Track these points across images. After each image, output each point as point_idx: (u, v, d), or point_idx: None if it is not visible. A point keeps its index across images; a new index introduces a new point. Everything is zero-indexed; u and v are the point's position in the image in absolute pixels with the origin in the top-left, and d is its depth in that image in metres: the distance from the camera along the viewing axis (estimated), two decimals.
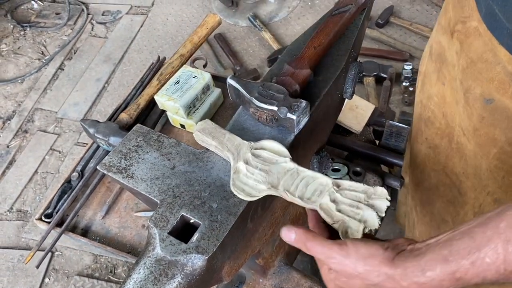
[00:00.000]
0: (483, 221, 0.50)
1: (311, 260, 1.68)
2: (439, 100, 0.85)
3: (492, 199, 0.77)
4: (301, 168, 0.76)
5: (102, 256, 2.04)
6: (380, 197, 0.68)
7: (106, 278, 1.99)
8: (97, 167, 0.87)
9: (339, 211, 0.69)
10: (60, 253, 2.08)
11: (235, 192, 0.76)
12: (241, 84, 0.87)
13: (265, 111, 0.84)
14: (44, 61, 2.90)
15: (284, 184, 0.75)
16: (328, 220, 0.69)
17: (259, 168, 0.77)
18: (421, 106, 0.93)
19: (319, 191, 0.72)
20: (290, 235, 0.65)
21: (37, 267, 1.11)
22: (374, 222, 0.67)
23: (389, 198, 0.68)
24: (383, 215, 0.68)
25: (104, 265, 2.03)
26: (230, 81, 0.88)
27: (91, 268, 2.02)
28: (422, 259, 0.52)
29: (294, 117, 0.81)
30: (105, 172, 0.86)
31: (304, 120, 0.85)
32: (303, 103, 0.82)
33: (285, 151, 0.79)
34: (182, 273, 0.72)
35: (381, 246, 0.57)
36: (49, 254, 2.05)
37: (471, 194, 0.81)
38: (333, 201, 0.70)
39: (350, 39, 0.99)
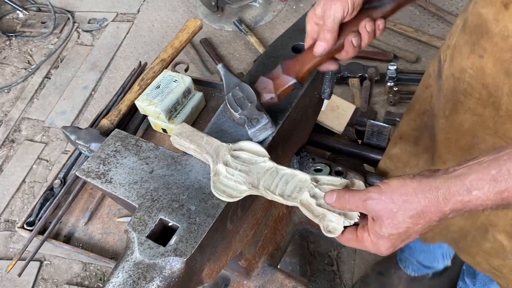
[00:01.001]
0: None
1: (300, 261, 1.68)
2: (476, 73, 0.85)
3: None
4: (280, 167, 0.77)
5: (91, 264, 2.03)
6: (358, 189, 0.70)
7: (95, 286, 1.98)
8: (76, 173, 0.87)
9: (319, 205, 0.70)
10: (49, 262, 2.06)
11: (216, 194, 0.76)
12: (226, 77, 0.86)
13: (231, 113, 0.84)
14: (30, 70, 2.89)
15: (264, 184, 0.76)
16: (309, 215, 0.71)
17: (239, 169, 0.78)
18: (453, 79, 0.92)
19: (299, 188, 0.74)
20: (332, 196, 0.67)
21: (19, 275, 1.10)
22: (353, 214, 0.68)
23: None
24: None
25: (94, 273, 2.01)
26: (220, 68, 0.87)
27: (80, 277, 2.01)
28: (466, 178, 0.55)
29: (249, 131, 0.82)
30: (84, 178, 0.86)
31: (264, 134, 0.84)
32: (263, 120, 0.81)
33: (263, 151, 0.80)
34: (161, 276, 0.73)
35: (407, 176, 0.60)
36: (38, 263, 2.04)
37: None
38: (313, 196, 0.72)
39: None
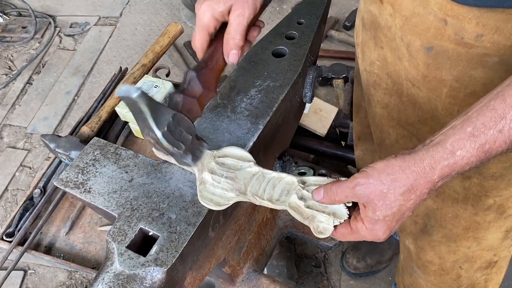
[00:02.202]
0: (495, 96, 0.55)
1: (287, 264, 1.68)
2: (381, 63, 0.91)
3: None
4: (266, 171, 0.76)
5: (76, 272, 2.00)
6: None
7: None
8: (54, 182, 0.85)
9: (308, 207, 0.70)
10: (33, 271, 2.03)
11: (203, 203, 0.75)
12: (151, 108, 0.61)
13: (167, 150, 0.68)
14: (11, 76, 2.85)
15: (251, 189, 0.74)
16: (299, 217, 0.70)
17: (225, 176, 0.76)
18: (366, 73, 0.98)
19: (286, 191, 0.73)
20: (319, 193, 0.67)
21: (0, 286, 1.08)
22: (342, 213, 0.68)
23: None
24: (350, 205, 0.68)
25: (79, 281, 1.99)
26: (137, 96, 0.59)
27: (65, 285, 1.98)
28: (446, 142, 0.57)
29: (194, 170, 0.76)
30: (62, 187, 0.85)
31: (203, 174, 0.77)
32: (205, 148, 0.75)
33: (248, 155, 0.78)
34: (142, 286, 0.71)
35: (390, 157, 0.61)
36: (21, 272, 2.01)
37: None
38: (301, 198, 0.71)
39: (306, 43, 1.00)
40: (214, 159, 0.78)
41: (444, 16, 0.70)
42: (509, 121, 0.53)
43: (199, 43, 0.76)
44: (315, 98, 1.02)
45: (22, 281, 2.00)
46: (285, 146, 1.09)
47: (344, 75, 2.33)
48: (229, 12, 0.75)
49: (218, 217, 0.83)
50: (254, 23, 0.82)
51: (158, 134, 0.63)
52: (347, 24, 2.66)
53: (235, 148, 0.80)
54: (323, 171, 1.21)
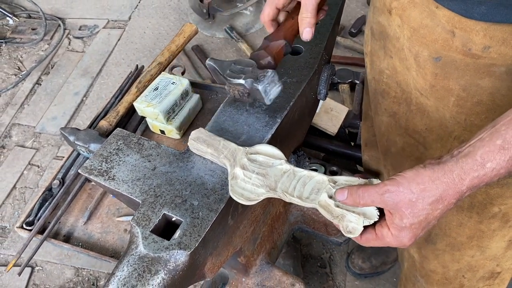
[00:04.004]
0: None
1: (293, 263, 1.70)
2: (391, 72, 0.93)
3: (458, 141, 0.85)
4: (297, 169, 0.77)
5: (84, 269, 2.02)
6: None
7: None
8: (79, 170, 0.88)
9: (338, 206, 0.70)
10: (41, 267, 2.05)
11: (234, 198, 0.77)
12: (217, 64, 0.88)
13: (235, 86, 0.85)
14: (20, 76, 2.88)
15: (281, 186, 0.76)
16: (328, 216, 0.71)
17: (256, 172, 0.78)
18: (374, 82, 1.01)
19: (316, 189, 0.73)
20: (343, 193, 0.68)
21: (19, 274, 1.10)
22: (372, 213, 0.68)
23: None
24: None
25: (86, 278, 2.00)
26: (209, 62, 0.88)
27: (73, 282, 1.99)
28: (476, 155, 0.58)
29: (259, 87, 0.82)
30: (86, 175, 0.87)
31: (275, 90, 0.84)
32: (269, 72, 0.82)
33: (279, 153, 0.80)
34: (165, 269, 0.74)
35: (419, 166, 0.61)
36: (29, 269, 2.02)
37: (437, 145, 0.89)
38: (331, 197, 0.71)
39: (322, 42, 1.04)
40: (246, 156, 0.80)
41: (452, 28, 0.72)
42: None
43: (268, 15, 0.86)
44: (327, 98, 1.05)
45: (30, 277, 2.02)
46: (300, 141, 1.12)
47: (350, 80, 2.37)
48: None
49: (238, 205, 0.86)
50: (321, 6, 0.88)
51: (224, 76, 0.85)
52: (353, 31, 2.71)
53: (266, 146, 0.81)
54: (334, 168, 1.24)
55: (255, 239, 1.05)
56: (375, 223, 0.68)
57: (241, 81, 0.83)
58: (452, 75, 0.77)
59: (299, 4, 0.84)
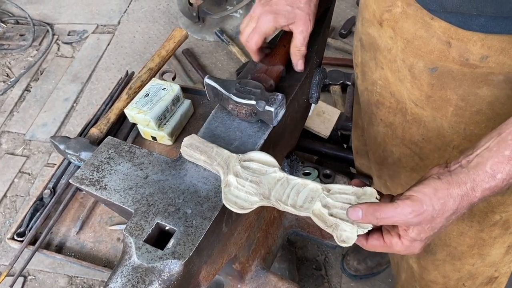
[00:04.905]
0: None
1: (289, 266, 1.70)
2: (384, 83, 0.92)
3: (458, 151, 0.85)
4: (290, 177, 0.76)
5: (77, 277, 2.00)
6: (370, 197, 0.69)
7: None
8: (70, 180, 0.87)
9: (332, 215, 0.69)
10: (33, 277, 2.03)
11: (227, 206, 0.76)
12: (219, 83, 0.90)
13: (244, 106, 0.87)
14: (9, 83, 2.85)
15: (275, 194, 0.75)
16: (322, 225, 0.70)
17: (250, 180, 0.77)
18: (367, 92, 1.00)
19: (310, 198, 0.73)
20: (357, 213, 0.65)
21: (11, 286, 1.09)
22: None
23: (378, 197, 0.68)
24: None
25: (80, 286, 1.98)
26: (207, 80, 0.90)
27: None
28: (485, 165, 0.58)
29: (272, 109, 0.85)
30: (77, 185, 0.86)
31: (281, 113, 0.88)
32: (279, 95, 0.85)
33: (273, 161, 0.79)
34: (160, 279, 0.73)
35: (434, 179, 0.60)
36: (22, 278, 2.00)
37: (434, 155, 0.89)
38: (325, 206, 0.71)
39: (313, 46, 1.03)
40: (239, 163, 0.79)
41: (448, 38, 0.71)
42: None
43: (255, 44, 0.87)
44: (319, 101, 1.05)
45: (22, 287, 1.99)
46: (292, 146, 1.11)
47: (341, 81, 2.37)
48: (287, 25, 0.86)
49: (231, 213, 0.85)
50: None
51: (230, 95, 0.87)
52: (343, 32, 2.71)
53: (260, 153, 0.80)
54: (328, 172, 1.24)
55: (250, 245, 1.05)
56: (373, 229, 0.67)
57: (253, 102, 0.86)
58: (449, 85, 0.76)
59: (287, 33, 0.89)
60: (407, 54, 0.80)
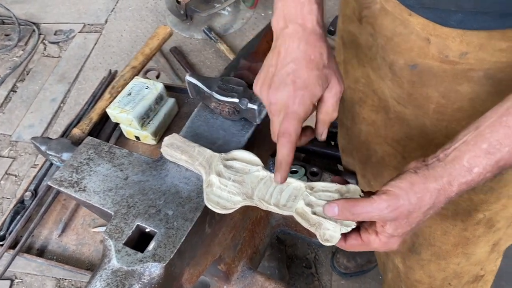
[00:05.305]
0: (505, 112, 0.55)
1: (278, 265, 1.69)
2: (366, 80, 0.91)
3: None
4: (274, 175, 0.74)
5: (65, 279, 1.97)
6: (354, 194, 0.68)
7: None
8: (48, 182, 0.85)
9: (315, 213, 0.68)
10: (20, 280, 1.99)
11: (209, 206, 0.74)
12: (201, 81, 0.88)
13: (226, 104, 0.86)
14: None
15: (258, 194, 0.73)
16: (305, 224, 0.69)
17: (232, 180, 0.75)
18: (350, 90, 0.98)
19: (293, 196, 0.71)
20: (333, 209, 0.63)
21: None
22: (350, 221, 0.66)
23: (362, 194, 0.68)
24: None
25: None
26: (189, 78, 0.88)
27: None
28: (462, 159, 0.57)
29: (255, 107, 0.83)
30: (56, 187, 0.84)
31: (265, 110, 0.85)
32: None
33: (257, 159, 0.77)
34: (140, 282, 0.71)
35: (410, 173, 0.59)
36: (8, 282, 1.97)
37: (417, 153, 0.87)
38: (308, 204, 0.69)
39: None
40: (222, 162, 0.77)
41: (427, 35, 0.70)
42: None
43: (295, 134, 0.65)
44: None
45: None
46: None
47: None
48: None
49: (214, 213, 0.84)
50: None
51: (212, 93, 0.85)
52: (331, 29, 2.70)
53: (243, 152, 0.79)
54: (315, 169, 1.22)
55: (236, 245, 1.03)
56: (353, 228, 0.66)
57: (235, 100, 0.84)
58: (430, 82, 0.75)
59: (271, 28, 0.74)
60: (387, 51, 0.78)
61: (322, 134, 0.72)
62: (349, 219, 0.63)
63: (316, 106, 0.69)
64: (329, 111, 0.69)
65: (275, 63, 0.68)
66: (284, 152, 0.65)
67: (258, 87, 0.71)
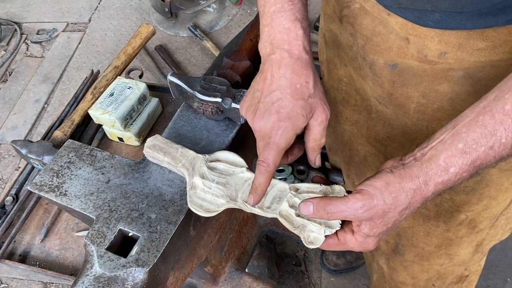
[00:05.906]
0: (482, 111, 0.54)
1: (268, 264, 1.68)
2: (348, 80, 0.90)
3: None
4: None
5: (52, 283, 1.95)
6: (339, 194, 0.67)
7: None
8: (28, 187, 0.83)
9: (299, 215, 0.67)
10: (6, 285, 1.96)
11: (192, 209, 0.72)
12: (183, 80, 0.86)
13: (209, 103, 0.84)
14: None
15: (242, 196, 0.72)
16: (289, 226, 0.67)
17: (216, 182, 0.73)
18: (333, 90, 0.97)
19: (278, 198, 0.70)
20: (308, 207, 0.63)
21: None
22: (334, 223, 0.65)
23: (346, 194, 0.66)
24: None
25: None
26: (170, 78, 0.87)
27: None
28: (439, 159, 0.56)
29: (238, 106, 0.81)
30: (36, 192, 0.82)
31: None
32: (246, 92, 0.80)
33: (241, 161, 0.76)
34: None
35: (386, 172, 0.58)
36: None
37: (398, 153, 0.85)
38: (292, 206, 0.68)
39: None
40: (205, 164, 0.75)
41: (406, 35, 0.69)
42: (499, 138, 0.53)
43: (273, 164, 0.67)
44: None
45: None
46: None
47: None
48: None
49: (199, 215, 0.82)
50: None
51: (194, 93, 0.83)
52: (318, 25, 2.69)
53: (228, 153, 0.77)
54: (301, 168, 1.21)
55: (222, 246, 1.02)
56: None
57: (218, 99, 0.83)
58: (410, 82, 0.74)
59: (253, 27, 0.80)
60: (367, 51, 0.77)
61: (315, 161, 0.74)
62: (324, 218, 0.62)
63: (304, 134, 0.70)
64: (316, 138, 0.70)
65: (261, 88, 0.68)
66: (261, 180, 0.67)
67: (244, 110, 0.72)
